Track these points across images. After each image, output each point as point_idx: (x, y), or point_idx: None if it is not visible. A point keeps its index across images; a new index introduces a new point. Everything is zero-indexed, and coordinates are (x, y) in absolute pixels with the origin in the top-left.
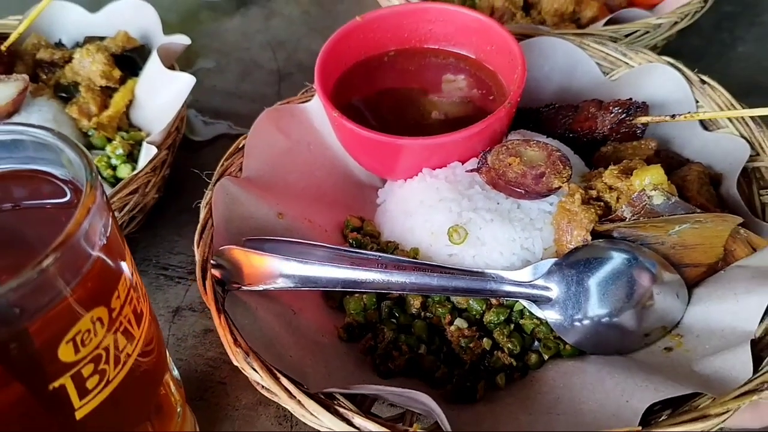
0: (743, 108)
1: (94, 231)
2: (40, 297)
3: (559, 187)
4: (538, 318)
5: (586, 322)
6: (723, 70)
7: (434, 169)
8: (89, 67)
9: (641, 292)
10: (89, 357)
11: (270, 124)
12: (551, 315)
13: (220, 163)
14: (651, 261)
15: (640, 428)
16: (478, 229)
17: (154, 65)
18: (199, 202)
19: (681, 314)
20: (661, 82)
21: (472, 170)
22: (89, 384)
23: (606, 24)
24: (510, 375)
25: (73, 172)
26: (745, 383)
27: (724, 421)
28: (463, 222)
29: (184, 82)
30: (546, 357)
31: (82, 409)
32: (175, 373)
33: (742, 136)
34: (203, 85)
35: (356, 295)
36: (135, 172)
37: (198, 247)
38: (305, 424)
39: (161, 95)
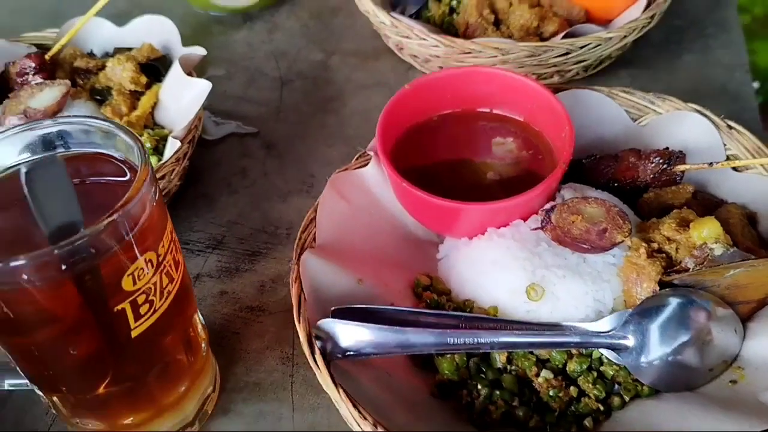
0: None
1: (147, 196)
2: (109, 241)
3: (622, 241)
4: (616, 364)
5: (657, 362)
6: (670, 78)
7: (498, 228)
8: (120, 74)
9: (700, 329)
10: (142, 289)
11: (334, 192)
12: (628, 360)
13: (298, 237)
14: (707, 301)
15: None
16: (553, 285)
17: (175, 72)
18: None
19: (739, 348)
20: (690, 128)
21: (536, 228)
22: (141, 310)
23: (564, 37)
24: (596, 418)
25: (129, 154)
26: None
27: None
28: (537, 279)
29: (201, 87)
30: (627, 398)
31: (136, 329)
32: (201, 318)
33: None
34: (214, 90)
35: (447, 355)
36: (161, 162)
37: (300, 324)
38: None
39: (182, 98)
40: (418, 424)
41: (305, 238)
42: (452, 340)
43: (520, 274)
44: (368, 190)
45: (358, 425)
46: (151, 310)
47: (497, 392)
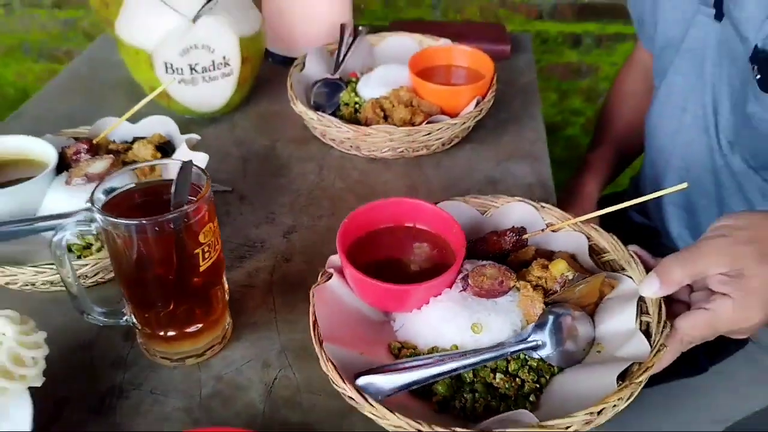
0: (573, 218)
1: (209, 198)
2: (195, 214)
3: (514, 285)
4: (536, 358)
5: (556, 352)
6: (497, 148)
7: (435, 297)
8: (143, 151)
9: (571, 326)
10: (206, 242)
11: (318, 300)
12: (542, 354)
13: (313, 332)
14: (569, 309)
15: (620, 382)
16: (486, 321)
17: (183, 149)
18: None
19: (594, 333)
20: (518, 211)
21: (461, 290)
22: (206, 255)
23: (427, 123)
24: (536, 394)
25: (199, 179)
26: (654, 349)
27: (653, 371)
28: (475, 320)
29: (202, 158)
30: (548, 377)
31: (203, 266)
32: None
33: (576, 231)
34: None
35: (440, 380)
36: None
37: (345, 382)
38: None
39: None
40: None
41: (318, 333)
42: (443, 370)
43: (464, 320)
44: (337, 295)
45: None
46: (209, 257)
47: (475, 395)
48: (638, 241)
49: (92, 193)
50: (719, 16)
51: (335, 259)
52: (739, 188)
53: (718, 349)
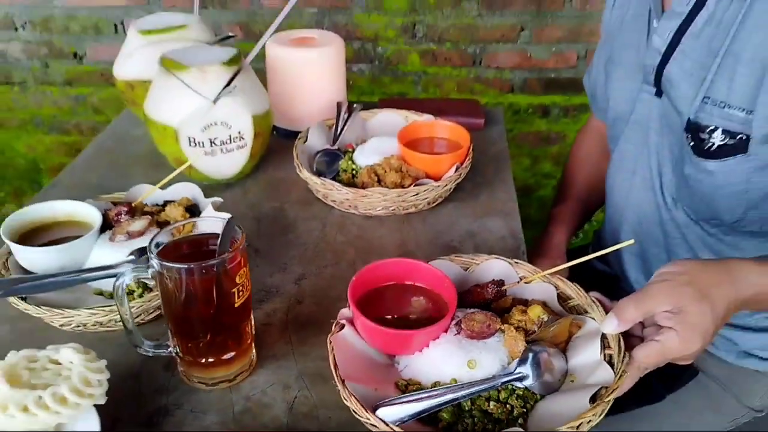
0: (542, 272)
1: (243, 248)
2: (232, 260)
3: (500, 328)
4: (522, 387)
5: (538, 382)
6: (472, 209)
7: (434, 340)
8: (175, 213)
9: (547, 360)
10: (240, 283)
11: (335, 347)
12: (527, 384)
13: (336, 377)
14: (545, 347)
15: (590, 404)
16: (479, 359)
17: (209, 209)
18: None
19: (567, 366)
20: (496, 267)
21: (456, 333)
22: (239, 294)
23: (415, 186)
24: (524, 417)
25: (235, 233)
26: (617, 375)
27: (618, 393)
28: (470, 358)
29: (225, 216)
30: (533, 403)
31: (237, 303)
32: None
33: (545, 282)
34: None
35: (444, 409)
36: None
37: (369, 413)
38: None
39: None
40: None
41: (339, 374)
42: (446, 400)
43: (460, 358)
44: (350, 342)
45: None
46: (242, 296)
47: (474, 420)
48: (600, 286)
49: (150, 243)
50: (659, 93)
51: (346, 311)
52: (683, 238)
53: (673, 380)
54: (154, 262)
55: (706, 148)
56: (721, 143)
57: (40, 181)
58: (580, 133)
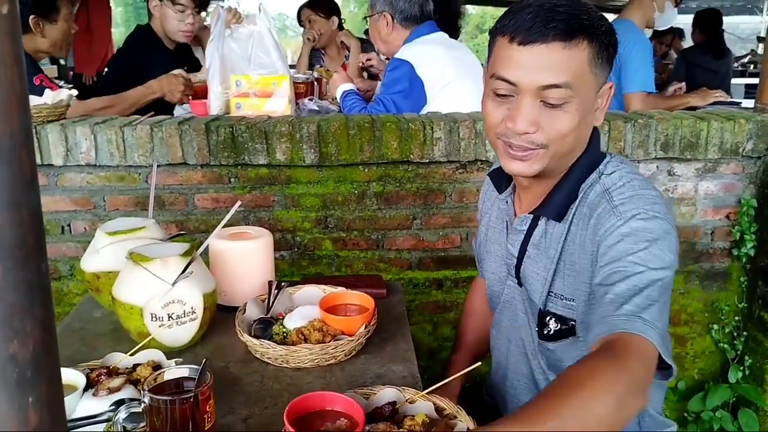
0: (423, 390)
1: (211, 385)
2: (204, 393)
3: None
4: None
5: None
6: (380, 357)
7: None
8: (144, 372)
9: None
10: (210, 411)
11: None
12: None
13: None
14: None
15: None
16: None
17: (173, 368)
18: None
19: None
20: (389, 393)
21: None
22: (208, 420)
23: (333, 341)
24: None
25: (204, 376)
26: None
27: None
28: None
29: (197, 368)
30: None
31: (207, 426)
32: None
33: (426, 400)
34: None
35: None
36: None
37: None
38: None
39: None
40: None
41: None
42: None
43: None
44: None
45: None
46: (210, 421)
47: None
48: (487, 414)
49: (143, 389)
50: (520, 284)
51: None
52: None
53: None
54: (146, 398)
55: (545, 332)
56: (556, 329)
57: None
58: (470, 291)
